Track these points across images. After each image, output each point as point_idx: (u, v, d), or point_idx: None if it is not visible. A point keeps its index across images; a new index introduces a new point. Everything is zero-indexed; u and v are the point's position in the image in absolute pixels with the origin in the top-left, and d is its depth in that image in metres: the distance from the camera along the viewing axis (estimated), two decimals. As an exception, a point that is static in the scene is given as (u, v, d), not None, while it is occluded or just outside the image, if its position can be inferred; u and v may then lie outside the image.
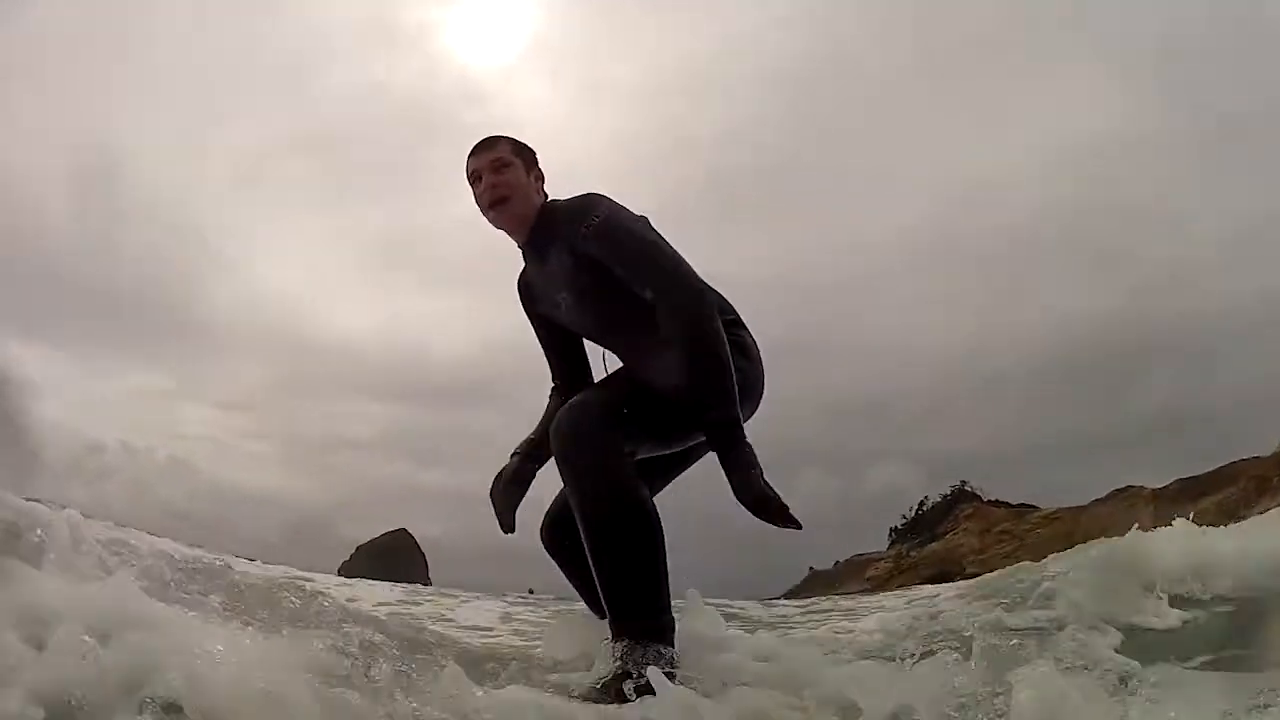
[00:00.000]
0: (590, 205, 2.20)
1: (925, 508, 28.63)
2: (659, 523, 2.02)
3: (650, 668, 1.68)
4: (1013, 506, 23.66)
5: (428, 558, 18.26)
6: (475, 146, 2.36)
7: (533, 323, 2.52)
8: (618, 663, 1.86)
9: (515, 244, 2.39)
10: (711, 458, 1.99)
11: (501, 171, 2.28)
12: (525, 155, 2.37)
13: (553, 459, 2.16)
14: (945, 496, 27.61)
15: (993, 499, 25.03)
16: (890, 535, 29.24)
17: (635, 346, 2.25)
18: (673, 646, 1.93)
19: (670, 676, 1.70)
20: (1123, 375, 45.06)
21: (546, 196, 2.35)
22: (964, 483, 27.14)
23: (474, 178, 2.35)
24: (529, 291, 2.47)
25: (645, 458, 2.13)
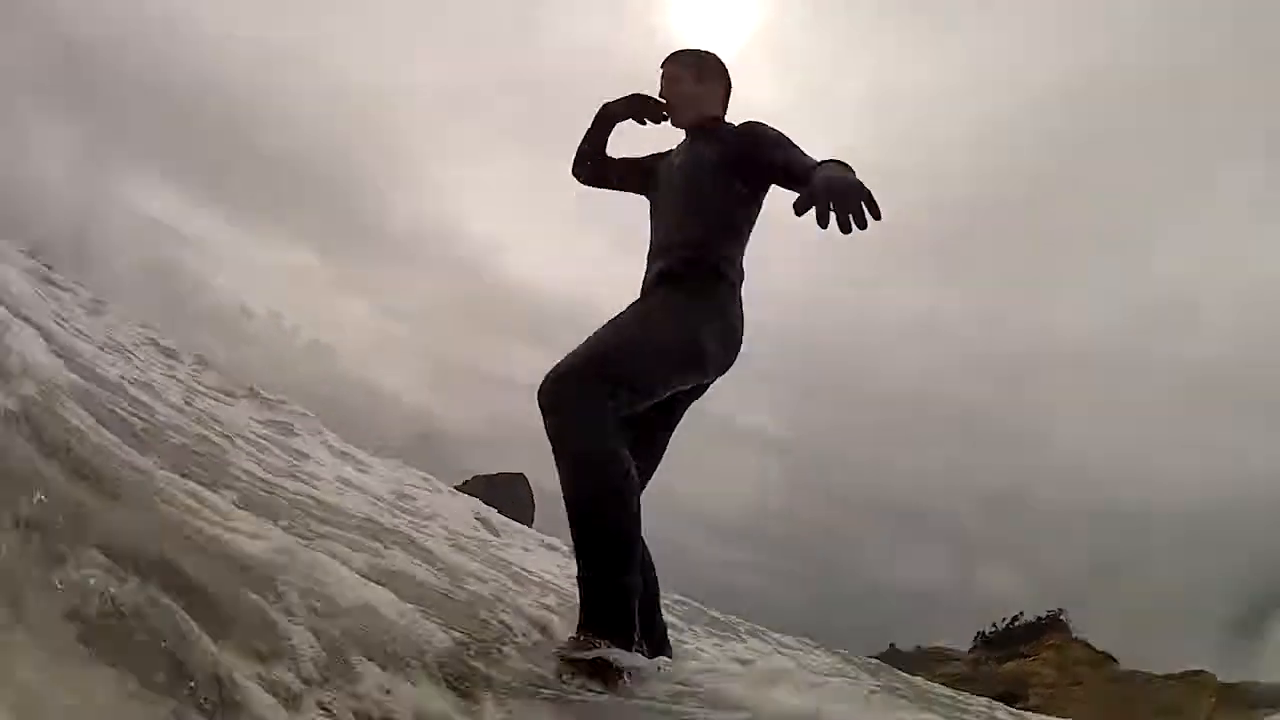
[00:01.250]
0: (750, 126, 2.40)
1: (1017, 623, 27.76)
2: (637, 528, 2.03)
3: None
4: (1096, 651, 22.64)
5: (538, 509, 19.24)
6: (667, 57, 2.68)
7: (636, 161, 2.76)
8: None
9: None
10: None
11: (672, 85, 2.59)
12: (697, 68, 2.62)
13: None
14: (1039, 618, 26.69)
15: (1080, 637, 24.03)
16: (975, 639, 28.53)
17: (704, 225, 2.35)
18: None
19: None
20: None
21: (725, 108, 2.61)
22: (1060, 610, 26.17)
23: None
24: (660, 153, 2.71)
25: (633, 422, 2.13)
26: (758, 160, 2.29)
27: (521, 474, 21.38)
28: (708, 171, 2.37)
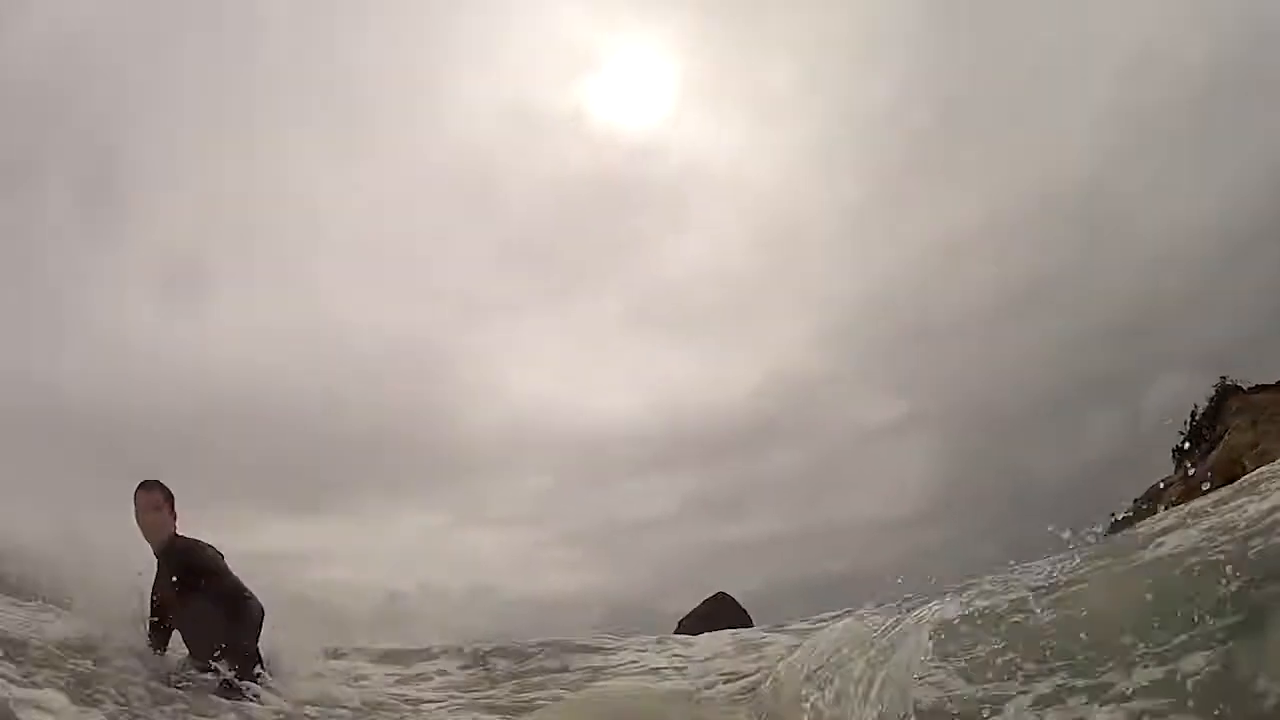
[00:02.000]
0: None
1: (1197, 416, 27.35)
2: None
3: None
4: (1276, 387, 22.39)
5: (750, 612, 20.19)
6: (146, 484, 4.89)
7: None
8: None
9: (154, 546, 4.83)
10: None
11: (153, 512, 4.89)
12: (169, 498, 4.96)
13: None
14: (1210, 400, 26.37)
15: (1253, 385, 23.77)
16: (1174, 456, 28.03)
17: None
18: None
19: None
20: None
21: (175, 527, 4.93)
22: (1224, 378, 25.87)
23: (143, 504, 4.92)
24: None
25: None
26: None
27: (720, 593, 22.31)
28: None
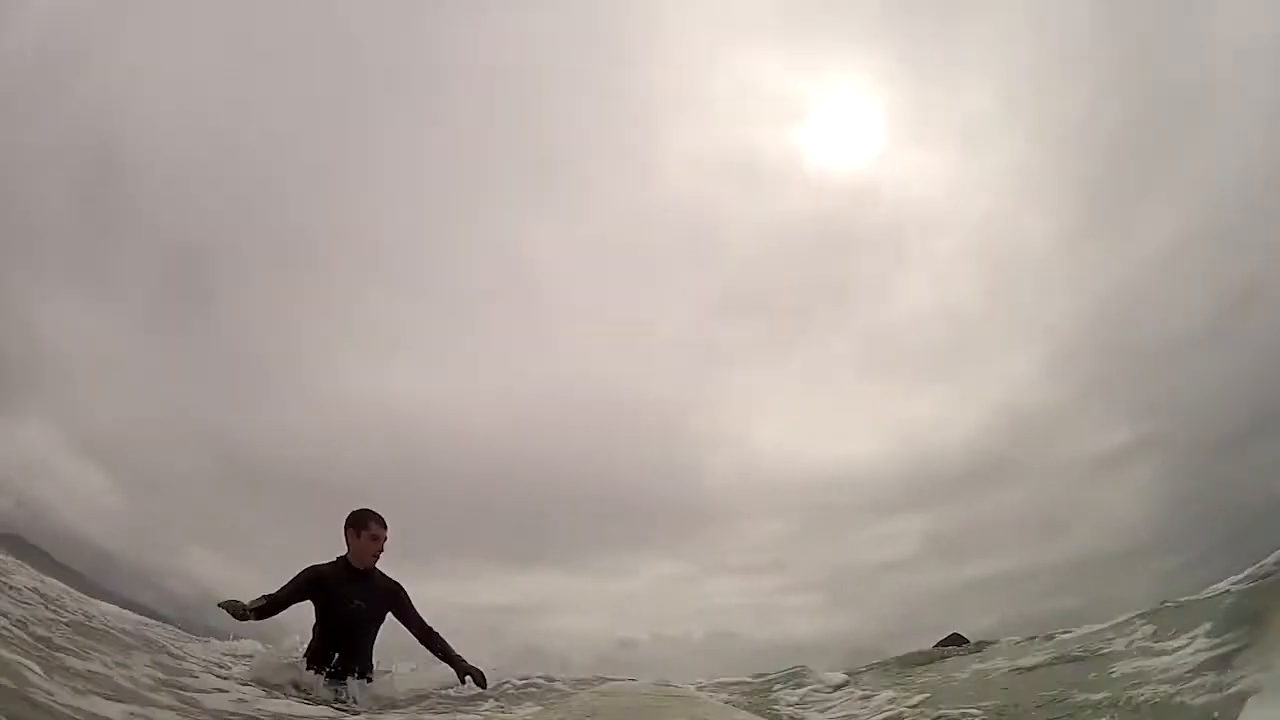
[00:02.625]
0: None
1: None
2: None
3: None
4: None
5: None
6: (382, 520, 5.46)
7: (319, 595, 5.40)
8: None
9: (356, 570, 5.40)
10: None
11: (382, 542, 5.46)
12: None
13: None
14: None
15: None
16: None
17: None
18: None
19: None
20: None
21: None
22: None
23: (377, 538, 5.46)
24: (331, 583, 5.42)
25: None
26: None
27: (954, 634, 20.67)
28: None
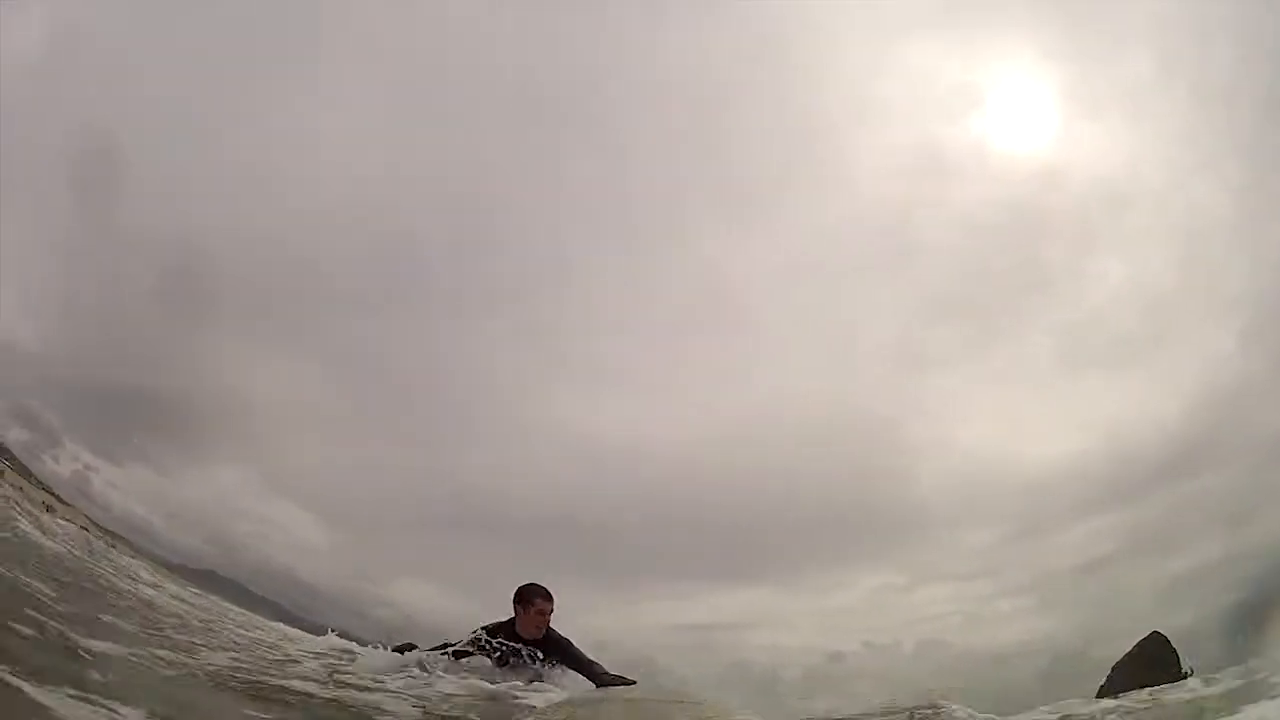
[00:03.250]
0: None
1: None
2: None
3: None
4: None
5: (1183, 650, 18.40)
6: (548, 594, 5.90)
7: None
8: None
9: (521, 637, 5.79)
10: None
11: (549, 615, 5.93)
12: None
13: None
14: None
15: None
16: None
17: None
18: None
19: None
20: None
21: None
22: None
23: (543, 612, 5.90)
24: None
25: None
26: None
27: (1154, 632, 20.35)
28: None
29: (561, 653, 5.88)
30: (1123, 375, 44.28)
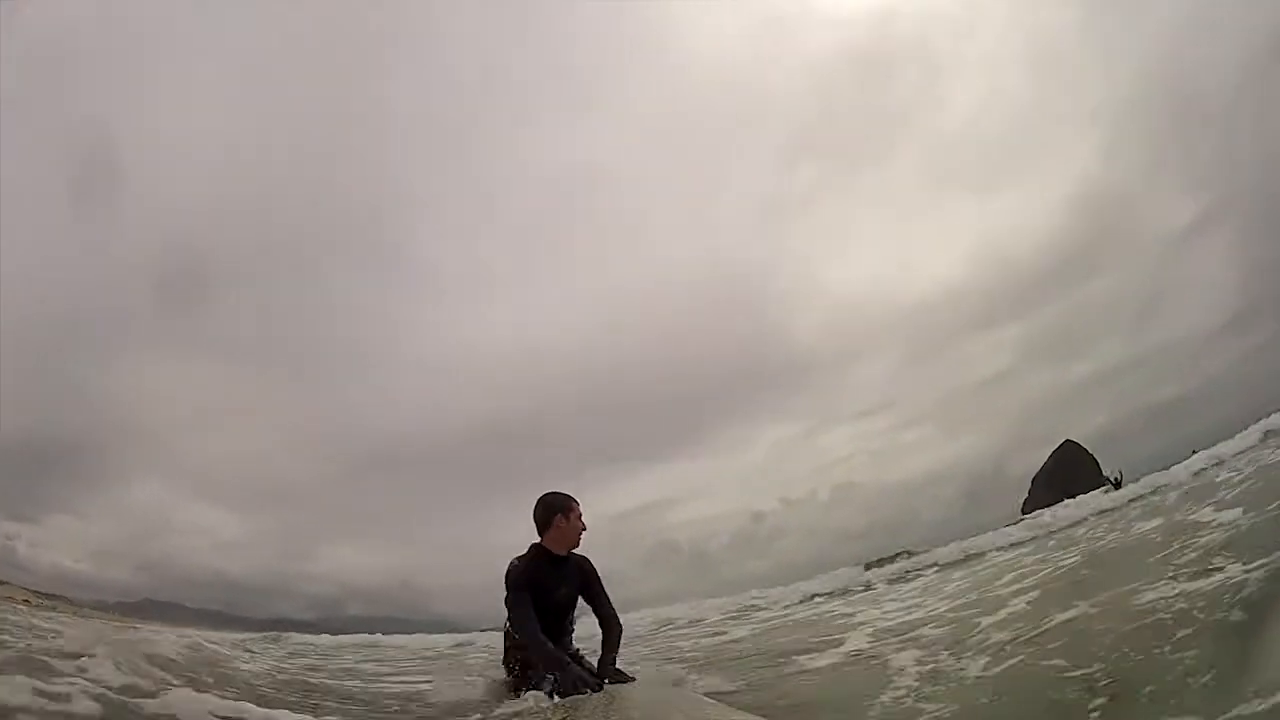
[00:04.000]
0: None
1: None
2: None
3: None
4: None
5: (1098, 455, 18.60)
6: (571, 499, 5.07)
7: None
8: None
9: (555, 556, 5.00)
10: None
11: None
12: None
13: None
14: None
15: None
16: None
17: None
18: None
19: None
20: None
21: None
22: None
23: (581, 517, 5.04)
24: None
25: None
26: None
27: (1066, 440, 20.52)
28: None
29: (589, 581, 5.29)
30: (990, 193, 44.92)
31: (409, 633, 12.31)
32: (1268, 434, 8.13)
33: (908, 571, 9.47)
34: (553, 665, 4.56)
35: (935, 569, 9.16)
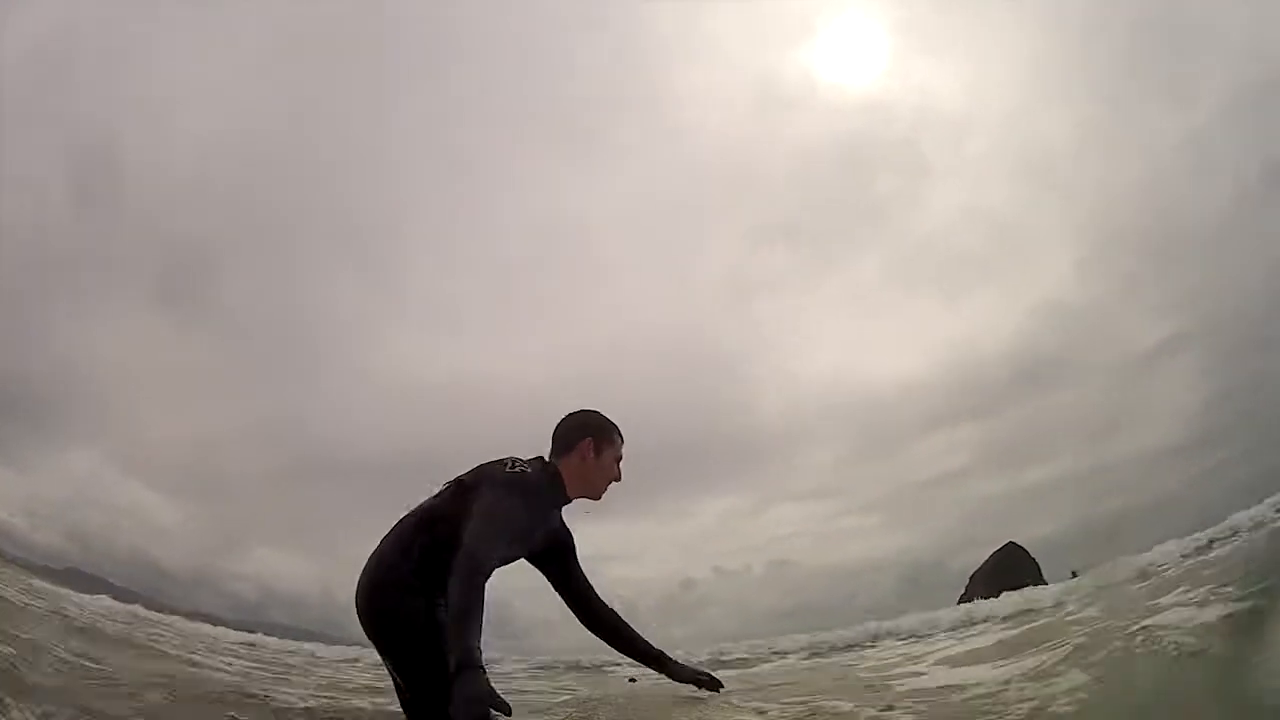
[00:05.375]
0: None
1: None
2: None
3: None
4: None
5: (1041, 561, 18.47)
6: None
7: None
8: None
9: (566, 499, 3.27)
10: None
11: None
12: None
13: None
14: None
15: None
16: None
17: None
18: None
19: None
20: None
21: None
22: None
23: (620, 459, 3.33)
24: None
25: None
26: None
27: (1009, 543, 20.31)
28: None
29: (567, 553, 3.46)
30: (961, 296, 46.54)
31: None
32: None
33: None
34: (488, 699, 2.34)
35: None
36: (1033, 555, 19.65)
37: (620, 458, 3.37)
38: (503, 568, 2.99)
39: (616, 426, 3.40)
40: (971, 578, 20.57)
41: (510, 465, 3.14)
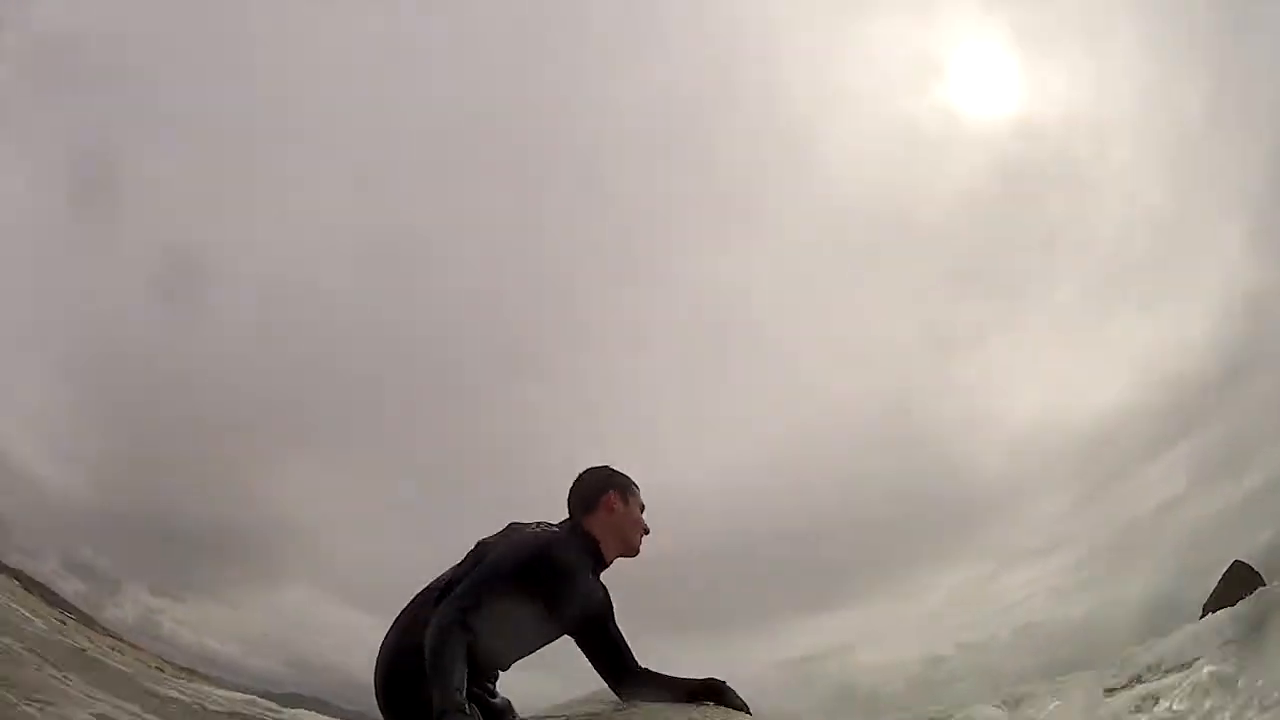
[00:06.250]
0: None
1: None
2: None
3: None
4: None
5: (1265, 572, 18.19)
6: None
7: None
8: None
9: (603, 561, 3.01)
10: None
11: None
12: None
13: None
14: None
15: None
16: None
17: None
18: None
19: None
20: None
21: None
22: None
23: (644, 508, 3.11)
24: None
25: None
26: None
27: (1236, 561, 19.96)
28: None
29: (605, 613, 3.21)
30: (1149, 304, 43.52)
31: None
32: None
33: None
34: None
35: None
36: (1257, 570, 19.27)
37: (644, 506, 3.19)
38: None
39: (630, 478, 3.23)
40: (1204, 608, 19.86)
41: (535, 525, 3.05)
